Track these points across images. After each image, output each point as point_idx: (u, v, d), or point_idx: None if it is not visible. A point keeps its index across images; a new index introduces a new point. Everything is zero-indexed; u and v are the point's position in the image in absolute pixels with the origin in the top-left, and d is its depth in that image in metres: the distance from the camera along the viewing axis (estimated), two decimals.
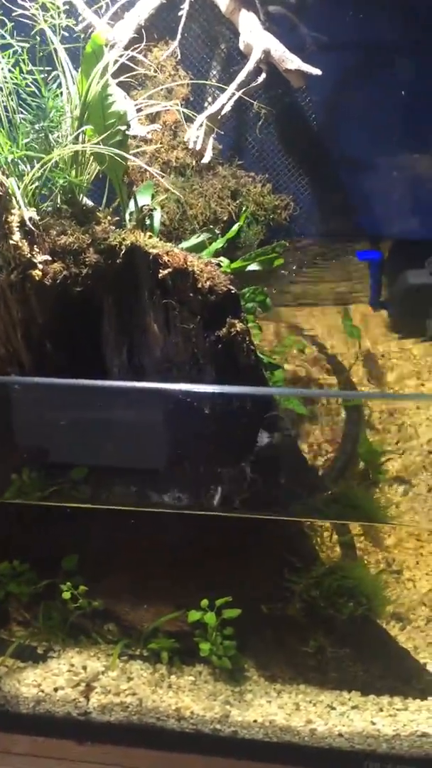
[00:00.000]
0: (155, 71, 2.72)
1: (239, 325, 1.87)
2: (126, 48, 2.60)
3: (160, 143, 2.79)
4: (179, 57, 2.68)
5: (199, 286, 1.84)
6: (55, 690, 1.98)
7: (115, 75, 2.14)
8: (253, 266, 2.15)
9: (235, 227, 2.31)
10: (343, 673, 1.93)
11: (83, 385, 1.78)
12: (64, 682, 1.99)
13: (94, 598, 1.98)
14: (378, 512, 1.88)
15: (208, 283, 1.85)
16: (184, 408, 1.80)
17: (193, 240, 2.28)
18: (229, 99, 2.40)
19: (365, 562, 2.12)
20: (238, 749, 1.91)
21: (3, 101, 1.88)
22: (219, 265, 2.00)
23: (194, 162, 2.73)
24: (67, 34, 1.98)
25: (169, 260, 1.86)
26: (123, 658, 2.03)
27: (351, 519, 1.93)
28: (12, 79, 1.93)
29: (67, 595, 1.94)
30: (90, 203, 2.10)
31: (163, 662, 1.99)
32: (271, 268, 2.20)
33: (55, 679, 2.00)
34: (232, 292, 1.87)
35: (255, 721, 1.90)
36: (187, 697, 1.95)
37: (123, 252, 1.90)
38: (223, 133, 2.69)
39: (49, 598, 2.03)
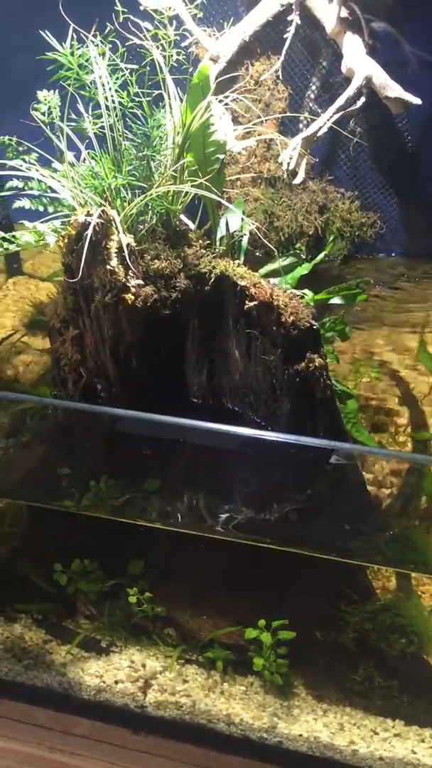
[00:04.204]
0: (255, 84, 2.77)
1: (318, 361, 1.93)
2: (229, 63, 2.66)
3: (254, 155, 2.84)
4: (280, 72, 2.72)
5: (283, 320, 1.90)
6: (116, 682, 2.12)
7: (216, 88, 2.19)
8: (336, 300, 2.19)
9: (321, 255, 2.35)
10: (388, 702, 2.01)
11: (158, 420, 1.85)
12: (124, 676, 2.13)
13: (157, 604, 2.10)
14: None
15: (291, 317, 1.90)
16: (252, 446, 1.89)
17: (279, 262, 2.33)
18: (325, 123, 2.43)
19: (419, 594, 2.18)
20: (281, 759, 2.01)
21: (110, 125, 1.95)
22: (302, 296, 2.06)
23: (285, 175, 2.78)
24: (176, 65, 2.03)
25: (255, 293, 1.92)
26: (180, 662, 2.15)
27: (410, 565, 1.99)
28: (120, 98, 2.00)
29: (133, 599, 2.07)
30: (185, 220, 2.17)
31: (218, 670, 2.10)
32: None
33: (116, 673, 2.14)
34: (314, 327, 1.93)
35: (300, 735, 2.00)
36: (238, 705, 2.06)
37: (212, 280, 1.98)
38: (316, 159, 2.72)
39: (115, 597, 2.17)
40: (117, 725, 2.11)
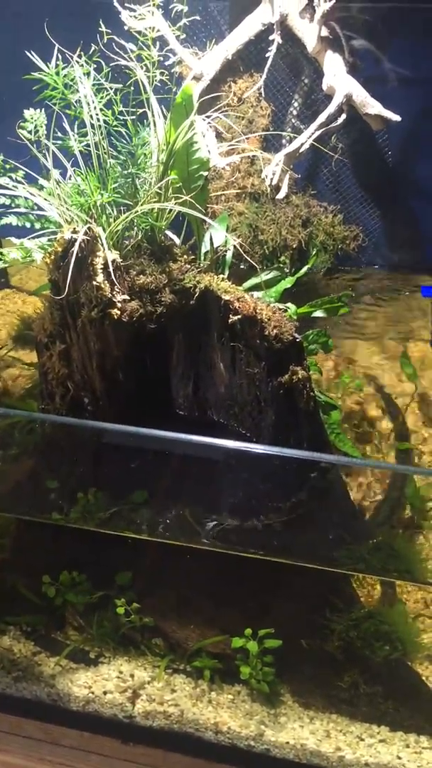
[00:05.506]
0: (238, 101, 2.81)
1: (301, 373, 1.96)
2: (212, 81, 2.70)
3: (239, 171, 2.88)
4: (262, 89, 2.76)
5: (266, 333, 1.93)
6: (104, 693, 2.14)
7: (201, 106, 2.23)
8: (319, 313, 2.23)
9: (304, 269, 2.39)
10: (373, 708, 2.04)
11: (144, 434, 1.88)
12: (112, 686, 2.15)
13: (145, 614, 2.13)
14: (419, 564, 1.98)
15: (274, 331, 1.94)
16: (237, 457, 1.92)
17: (262, 276, 2.37)
18: (307, 139, 2.47)
19: (403, 601, 2.21)
20: (268, 766, 2.04)
21: (96, 143, 1.99)
22: (285, 310, 2.10)
23: (269, 190, 2.82)
24: (160, 84, 2.07)
25: (239, 307, 1.95)
26: (168, 671, 2.17)
27: (394, 573, 2.02)
28: (104, 116, 2.04)
29: (121, 610, 2.09)
30: (170, 234, 2.21)
31: (205, 679, 2.13)
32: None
33: (104, 683, 2.16)
34: (297, 340, 1.96)
35: (287, 742, 2.03)
36: (225, 713, 2.09)
37: (197, 294, 2.01)
38: (298, 175, 2.77)
39: (103, 608, 2.19)
40: (106, 735, 2.13)
